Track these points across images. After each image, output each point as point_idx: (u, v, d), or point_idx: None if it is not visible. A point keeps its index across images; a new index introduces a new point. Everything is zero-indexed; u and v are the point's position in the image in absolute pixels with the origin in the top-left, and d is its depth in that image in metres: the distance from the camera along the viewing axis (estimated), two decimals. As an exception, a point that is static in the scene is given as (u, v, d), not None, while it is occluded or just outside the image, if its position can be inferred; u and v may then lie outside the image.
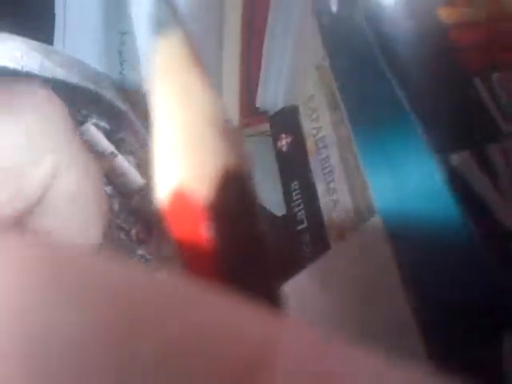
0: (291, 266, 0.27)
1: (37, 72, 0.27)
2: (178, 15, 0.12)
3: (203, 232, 0.11)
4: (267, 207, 0.35)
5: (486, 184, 0.17)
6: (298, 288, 0.21)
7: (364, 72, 0.21)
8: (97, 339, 0.08)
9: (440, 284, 0.18)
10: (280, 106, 0.33)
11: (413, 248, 0.19)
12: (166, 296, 0.09)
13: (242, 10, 0.33)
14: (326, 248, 0.26)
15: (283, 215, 0.33)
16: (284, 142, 0.33)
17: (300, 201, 0.30)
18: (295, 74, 0.32)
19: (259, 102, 0.34)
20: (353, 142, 0.23)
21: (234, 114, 0.34)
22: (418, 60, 0.20)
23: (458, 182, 0.17)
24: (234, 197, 0.11)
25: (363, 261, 0.20)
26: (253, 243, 0.12)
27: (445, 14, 0.20)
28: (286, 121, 0.33)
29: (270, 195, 0.35)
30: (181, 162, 0.11)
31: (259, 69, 0.34)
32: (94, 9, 0.28)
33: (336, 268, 0.22)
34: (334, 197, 0.28)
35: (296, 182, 0.32)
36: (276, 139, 0.33)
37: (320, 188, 0.29)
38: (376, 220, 0.21)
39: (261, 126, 0.35)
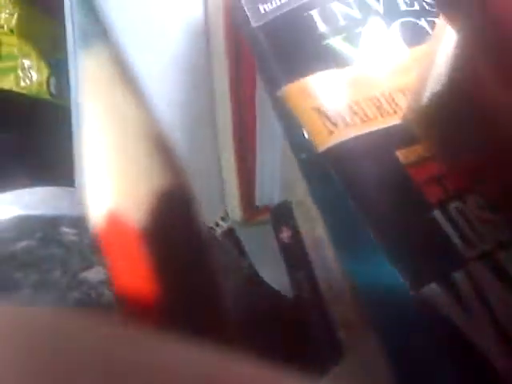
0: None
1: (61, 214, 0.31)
2: (107, 31, 0.11)
3: (139, 257, 0.10)
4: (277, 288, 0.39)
5: (457, 311, 0.21)
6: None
7: (336, 204, 0.24)
8: None
9: None
10: (276, 200, 0.37)
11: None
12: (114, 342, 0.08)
13: (231, 110, 0.36)
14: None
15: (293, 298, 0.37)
16: (285, 234, 0.36)
17: (304, 286, 0.34)
18: (287, 174, 0.35)
19: (258, 201, 0.37)
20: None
21: (237, 212, 0.37)
22: (380, 197, 0.23)
23: (428, 312, 0.21)
24: (172, 218, 0.10)
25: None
26: (195, 267, 0.11)
27: (402, 155, 0.24)
28: (284, 215, 0.36)
29: (276, 277, 0.38)
30: (114, 184, 0.10)
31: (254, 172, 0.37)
32: None
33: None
34: (330, 282, 0.31)
35: (300, 271, 0.35)
36: (277, 231, 0.37)
37: (318, 274, 0.33)
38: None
39: (263, 217, 0.39)
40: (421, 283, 0.21)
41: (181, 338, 0.08)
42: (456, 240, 0.22)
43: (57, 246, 0.31)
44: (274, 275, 0.39)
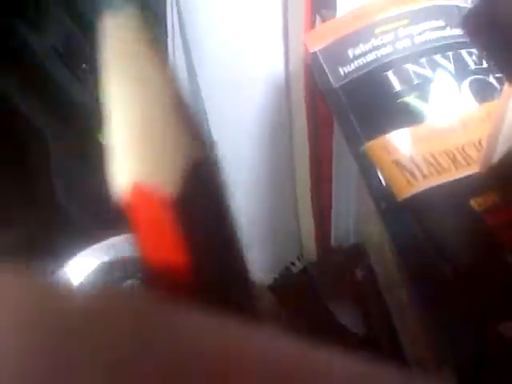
0: None
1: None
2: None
3: (167, 227, 0.10)
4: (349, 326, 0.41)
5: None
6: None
7: (414, 250, 0.27)
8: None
9: None
10: (351, 241, 0.39)
11: None
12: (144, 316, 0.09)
13: (309, 161, 0.40)
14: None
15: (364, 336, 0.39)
16: (359, 274, 0.39)
17: (381, 331, 0.36)
18: (362, 219, 0.38)
19: (333, 240, 0.40)
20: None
21: (312, 251, 0.40)
22: (458, 243, 0.25)
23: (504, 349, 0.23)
24: (199, 188, 0.10)
25: None
26: (222, 238, 0.11)
27: (476, 203, 0.26)
28: (358, 255, 0.39)
29: (351, 318, 0.40)
30: (140, 153, 0.10)
31: (330, 210, 0.40)
32: None
33: None
34: (408, 334, 0.33)
35: (376, 314, 0.37)
36: (351, 272, 0.39)
37: (395, 320, 0.35)
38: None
39: (337, 257, 0.41)
40: (497, 320, 0.23)
41: (207, 309, 0.08)
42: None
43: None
44: (344, 312, 0.41)
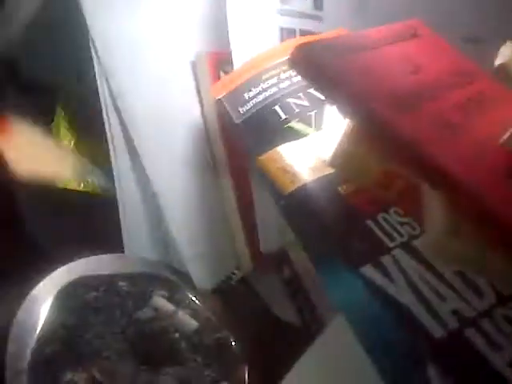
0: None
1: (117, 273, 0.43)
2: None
3: None
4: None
5: (387, 283, 0.31)
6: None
7: (305, 231, 0.35)
8: None
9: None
10: (276, 247, 0.48)
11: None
12: None
13: (232, 187, 0.48)
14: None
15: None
16: (286, 272, 0.47)
17: (307, 311, 0.44)
18: (280, 230, 0.46)
19: (262, 248, 0.48)
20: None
21: (247, 262, 0.48)
22: (332, 218, 0.34)
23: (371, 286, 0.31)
24: None
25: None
26: None
27: (342, 190, 0.35)
28: (283, 257, 0.47)
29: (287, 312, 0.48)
30: None
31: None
32: (145, 225, 0.45)
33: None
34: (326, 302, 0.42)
35: (302, 299, 0.46)
36: (280, 271, 0.48)
37: (315, 299, 0.43)
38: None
39: (269, 264, 0.49)
40: (358, 264, 0.32)
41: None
42: (382, 236, 0.33)
43: (116, 295, 0.42)
44: (284, 310, 0.49)
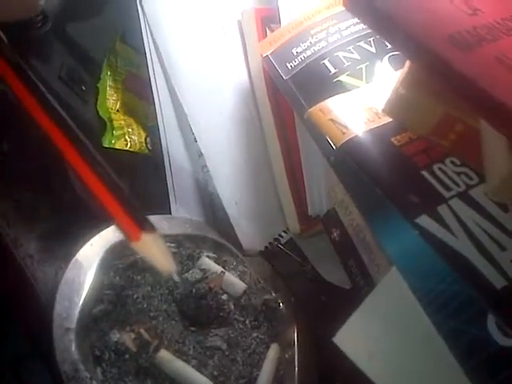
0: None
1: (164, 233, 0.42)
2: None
3: None
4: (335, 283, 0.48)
5: (445, 234, 0.30)
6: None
7: (357, 183, 0.34)
8: None
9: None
10: (325, 209, 0.47)
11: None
12: None
13: (280, 147, 0.47)
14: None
15: (351, 287, 0.46)
16: (335, 234, 0.46)
17: (357, 273, 0.43)
18: (329, 188, 0.45)
19: (310, 212, 0.47)
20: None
21: (295, 224, 0.47)
22: (383, 169, 0.33)
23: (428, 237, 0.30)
24: None
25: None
26: None
27: (396, 140, 0.34)
28: (332, 219, 0.46)
29: (334, 275, 0.47)
30: None
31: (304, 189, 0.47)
32: (192, 185, 0.45)
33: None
34: (376, 262, 0.41)
35: (352, 260, 0.44)
36: (329, 233, 0.46)
37: (364, 258, 0.42)
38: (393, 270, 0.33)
39: (316, 227, 0.49)
40: (414, 215, 0.30)
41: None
42: (438, 186, 0.32)
43: (163, 257, 0.42)
44: (334, 274, 0.48)
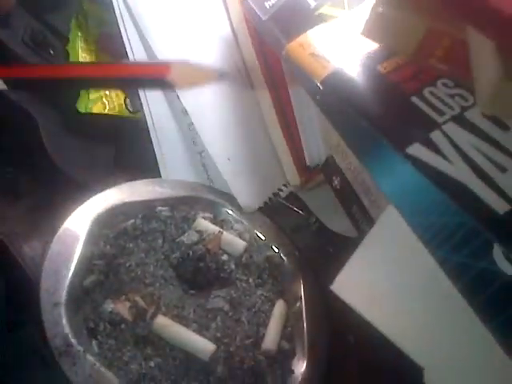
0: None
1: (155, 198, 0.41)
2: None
3: None
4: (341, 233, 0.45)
5: (439, 161, 0.27)
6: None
7: (345, 119, 0.32)
8: None
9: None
10: (323, 158, 0.44)
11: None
12: None
13: (272, 101, 0.45)
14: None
15: (357, 236, 0.43)
16: (336, 181, 0.43)
17: (362, 218, 0.41)
18: (324, 133, 0.43)
19: (309, 162, 0.45)
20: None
21: (295, 177, 0.45)
22: (372, 100, 0.30)
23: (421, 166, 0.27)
24: None
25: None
26: None
27: (382, 67, 0.31)
28: (331, 167, 0.43)
29: (340, 224, 0.45)
30: None
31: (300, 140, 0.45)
32: (180, 145, 0.43)
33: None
34: (377, 204, 0.38)
35: (354, 206, 0.42)
36: (330, 182, 0.44)
37: (365, 202, 0.39)
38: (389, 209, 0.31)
39: (317, 178, 0.46)
40: (405, 144, 0.28)
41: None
42: (430, 112, 0.29)
43: (156, 222, 0.40)
44: (340, 224, 0.46)
